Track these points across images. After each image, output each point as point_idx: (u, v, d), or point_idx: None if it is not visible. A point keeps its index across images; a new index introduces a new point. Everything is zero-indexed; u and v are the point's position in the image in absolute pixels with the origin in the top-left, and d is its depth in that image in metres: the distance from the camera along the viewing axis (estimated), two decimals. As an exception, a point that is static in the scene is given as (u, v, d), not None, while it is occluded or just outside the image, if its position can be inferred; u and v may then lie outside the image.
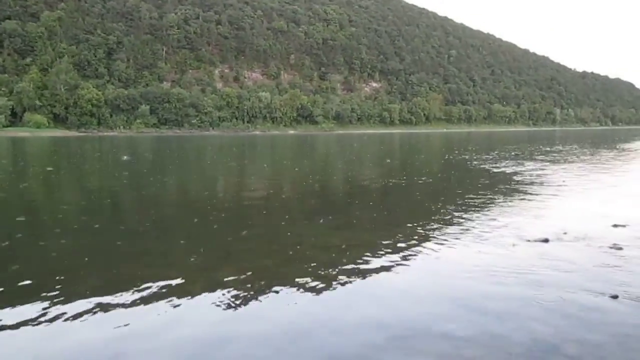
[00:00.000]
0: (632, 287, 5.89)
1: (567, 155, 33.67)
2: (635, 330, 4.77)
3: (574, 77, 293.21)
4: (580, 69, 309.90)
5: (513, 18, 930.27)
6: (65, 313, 5.30)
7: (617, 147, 44.99)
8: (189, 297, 5.77)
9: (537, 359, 4.25)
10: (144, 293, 5.88)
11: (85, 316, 5.23)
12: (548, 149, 42.69)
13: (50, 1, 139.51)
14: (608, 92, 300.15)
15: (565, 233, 8.68)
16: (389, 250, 7.77)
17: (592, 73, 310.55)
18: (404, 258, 7.37)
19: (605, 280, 6.18)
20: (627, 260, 7.06)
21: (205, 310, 5.45)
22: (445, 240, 8.40)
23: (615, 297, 5.60)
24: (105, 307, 5.46)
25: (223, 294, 5.86)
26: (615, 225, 9.33)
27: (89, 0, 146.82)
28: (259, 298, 5.78)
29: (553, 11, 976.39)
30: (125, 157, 32.69)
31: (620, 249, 7.64)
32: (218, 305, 5.54)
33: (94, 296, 5.76)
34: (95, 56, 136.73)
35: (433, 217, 10.67)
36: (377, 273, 6.68)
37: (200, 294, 5.89)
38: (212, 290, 6.01)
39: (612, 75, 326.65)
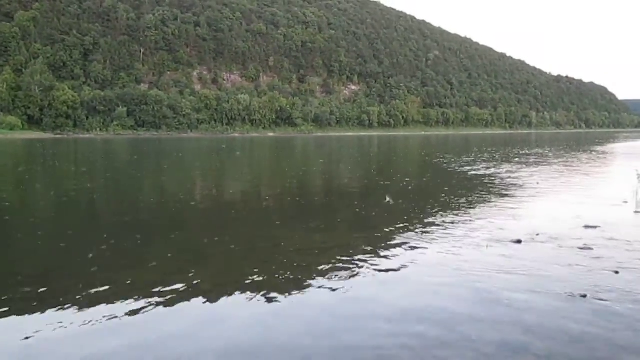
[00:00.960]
0: (601, 287, 6.03)
1: (542, 157, 34.23)
2: (603, 329, 4.89)
3: (549, 81, 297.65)
4: (555, 73, 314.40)
5: (490, 22, 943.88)
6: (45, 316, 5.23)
7: (591, 150, 45.84)
8: (165, 300, 5.73)
9: (507, 358, 4.33)
10: (119, 296, 5.83)
11: (55, 318, 5.18)
12: (524, 151, 43.33)
13: (25, 1, 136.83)
14: (582, 96, 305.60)
15: (537, 234, 8.85)
16: (365, 253, 7.83)
17: (566, 77, 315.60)
18: (379, 260, 7.43)
19: (575, 280, 6.32)
20: (597, 260, 7.22)
21: (180, 312, 5.42)
22: (420, 241, 8.49)
23: (584, 296, 5.74)
24: (79, 310, 5.40)
25: (198, 297, 5.84)
26: (586, 227, 9.55)
27: (64, 0, 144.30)
28: (233, 300, 5.77)
29: (529, 16, 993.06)
30: None
31: (591, 249, 7.81)
32: (192, 308, 5.52)
33: (67, 299, 5.69)
34: (71, 57, 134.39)
35: (409, 219, 10.76)
36: (352, 275, 6.72)
37: (176, 296, 5.86)
38: (188, 292, 5.99)
39: (586, 80, 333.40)
